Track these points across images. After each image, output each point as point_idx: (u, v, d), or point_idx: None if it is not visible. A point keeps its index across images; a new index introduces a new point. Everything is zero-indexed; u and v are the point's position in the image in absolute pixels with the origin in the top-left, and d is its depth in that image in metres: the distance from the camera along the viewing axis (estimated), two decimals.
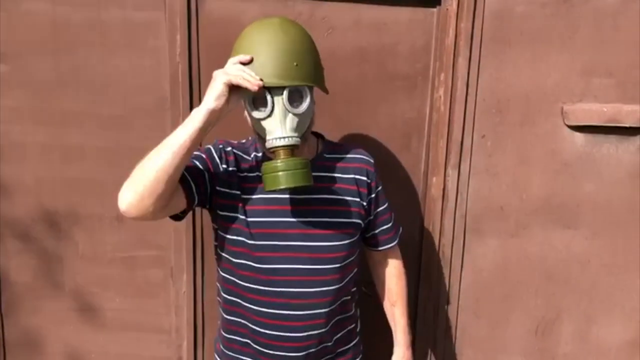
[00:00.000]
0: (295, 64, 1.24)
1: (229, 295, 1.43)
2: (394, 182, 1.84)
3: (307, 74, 1.27)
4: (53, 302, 1.94)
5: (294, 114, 1.25)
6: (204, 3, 1.71)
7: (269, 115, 1.24)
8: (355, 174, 1.42)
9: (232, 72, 1.20)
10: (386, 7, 1.73)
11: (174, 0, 1.69)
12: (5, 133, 1.81)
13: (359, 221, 1.42)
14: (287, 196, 1.36)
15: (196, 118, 1.21)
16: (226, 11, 1.72)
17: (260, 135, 1.30)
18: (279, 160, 1.21)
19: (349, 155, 1.45)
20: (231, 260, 1.39)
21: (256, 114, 1.25)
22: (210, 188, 1.35)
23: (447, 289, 1.91)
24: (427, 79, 1.79)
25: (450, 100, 1.76)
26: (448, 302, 1.92)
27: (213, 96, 1.20)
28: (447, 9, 1.70)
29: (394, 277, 1.57)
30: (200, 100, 1.75)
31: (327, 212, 1.37)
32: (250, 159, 1.41)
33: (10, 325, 1.97)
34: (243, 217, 1.35)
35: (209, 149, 1.39)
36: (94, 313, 1.95)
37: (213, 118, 1.21)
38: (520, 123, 1.78)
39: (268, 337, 1.38)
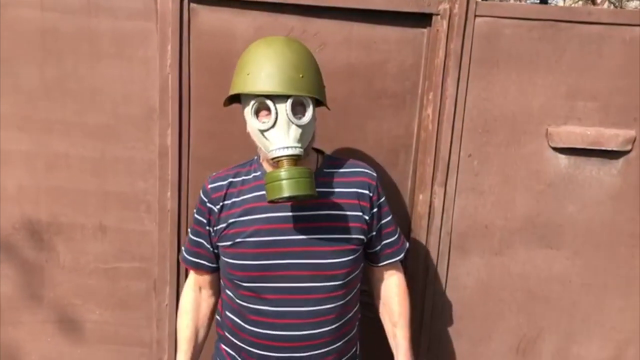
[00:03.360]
0: (300, 75, 1.26)
1: (231, 314, 1.44)
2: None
3: (311, 86, 1.29)
4: (32, 314, 1.91)
5: (297, 125, 1.26)
6: (196, 15, 1.71)
7: (273, 126, 1.25)
8: (357, 188, 1.42)
9: None
10: (377, 26, 1.75)
11: (166, 11, 1.69)
12: None
13: (361, 236, 1.41)
14: (289, 214, 1.36)
15: None
16: (218, 23, 1.72)
17: (262, 147, 1.31)
18: (282, 169, 1.22)
19: (350, 169, 1.45)
20: (232, 281, 1.40)
21: (259, 125, 1.27)
22: (214, 241, 1.43)
23: (430, 306, 1.92)
24: (415, 97, 1.81)
25: (439, 119, 1.78)
26: (432, 319, 1.93)
27: None
28: (438, 30, 1.72)
29: (396, 296, 1.53)
30: (190, 112, 1.76)
31: (329, 229, 1.37)
32: (250, 178, 1.41)
33: None
34: (244, 239, 1.35)
35: (198, 220, 1.45)
36: (74, 325, 1.92)
37: None
38: (506, 143, 1.81)
39: (270, 359, 1.38)
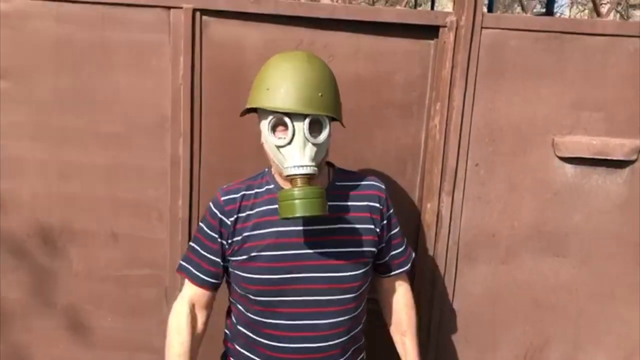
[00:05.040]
0: (320, 94, 1.28)
1: (244, 328, 1.44)
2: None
3: (330, 105, 1.31)
4: (45, 319, 1.93)
5: (313, 144, 1.27)
6: (207, 27, 1.75)
7: (289, 143, 1.26)
8: (368, 201, 1.45)
9: None
10: (384, 38, 1.78)
11: (179, 23, 1.72)
12: (3, 148, 1.82)
13: (373, 249, 1.44)
14: (301, 228, 1.37)
15: None
16: (229, 35, 1.75)
17: (276, 161, 1.32)
18: (295, 188, 1.24)
19: (361, 183, 1.48)
20: (246, 296, 1.40)
21: (276, 141, 1.28)
22: (227, 254, 1.42)
23: (438, 314, 1.93)
24: (422, 107, 1.84)
25: (446, 129, 1.80)
26: (439, 327, 1.94)
27: None
28: (444, 42, 1.75)
29: (405, 306, 1.56)
30: (201, 122, 1.80)
31: (343, 242, 1.39)
32: (262, 191, 1.42)
33: (1, 343, 1.95)
34: (258, 253, 1.36)
35: (208, 234, 1.42)
36: (86, 331, 1.94)
37: None
38: (512, 153, 1.83)
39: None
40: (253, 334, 1.41)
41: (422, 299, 1.93)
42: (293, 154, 1.26)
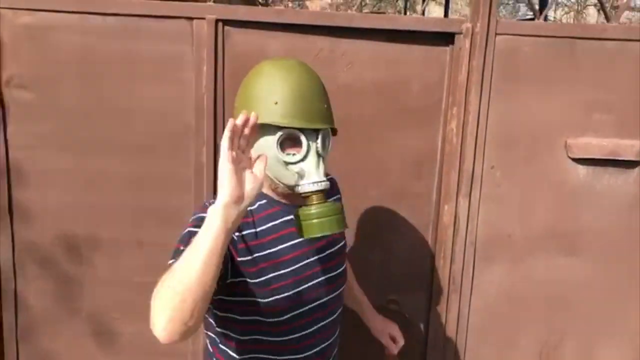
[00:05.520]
0: (325, 105, 1.27)
1: (257, 355, 1.34)
2: (407, 209, 1.93)
3: (332, 115, 1.31)
4: (70, 326, 1.96)
5: (323, 157, 1.25)
6: (230, 37, 1.78)
7: (302, 160, 1.22)
8: (337, 195, 1.51)
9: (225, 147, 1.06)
10: (402, 45, 1.83)
11: (202, 34, 1.76)
12: (30, 159, 1.84)
13: (345, 239, 1.51)
14: (302, 239, 1.29)
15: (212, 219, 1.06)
16: (250, 45, 1.79)
17: (278, 178, 1.26)
18: (317, 207, 1.20)
19: (333, 186, 1.51)
20: (258, 321, 1.30)
21: (285, 157, 1.22)
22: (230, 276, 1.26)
23: (457, 313, 1.98)
24: (439, 112, 1.89)
25: (462, 132, 1.85)
26: (458, 326, 1.99)
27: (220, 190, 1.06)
28: (460, 48, 1.80)
29: (354, 280, 1.74)
30: (223, 129, 1.83)
31: (333, 241, 1.41)
32: (257, 208, 1.31)
33: (26, 351, 1.97)
34: (276, 272, 1.29)
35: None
36: (111, 338, 1.97)
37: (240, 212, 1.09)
38: (527, 155, 1.88)
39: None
40: (273, 355, 1.33)
41: (440, 298, 1.98)
42: (309, 170, 1.21)
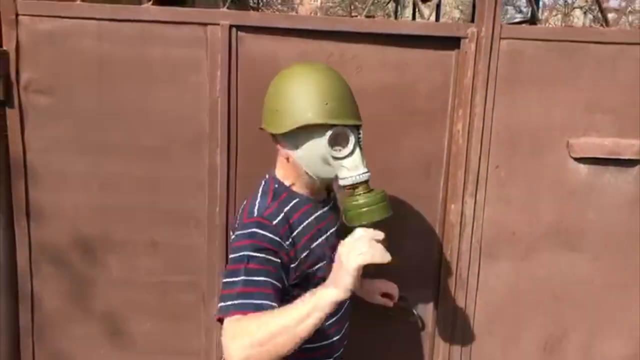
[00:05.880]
0: (356, 103, 1.38)
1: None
2: (415, 207, 1.98)
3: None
4: (84, 326, 1.99)
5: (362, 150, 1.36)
6: (243, 42, 1.83)
7: (350, 154, 1.32)
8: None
9: (367, 251, 1.19)
10: (409, 49, 1.88)
11: (216, 39, 1.81)
12: (46, 161, 1.88)
13: None
14: (329, 231, 1.49)
15: (326, 307, 1.18)
16: (263, 50, 1.84)
17: (319, 174, 1.37)
18: (362, 196, 1.30)
19: None
20: None
21: (335, 153, 1.32)
22: (291, 278, 1.37)
23: (463, 308, 2.04)
24: (445, 114, 1.95)
25: (468, 134, 1.91)
26: (464, 321, 2.05)
27: (348, 286, 1.18)
28: (466, 52, 1.86)
29: None
30: (237, 133, 1.88)
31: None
32: (292, 207, 1.40)
33: (41, 349, 2.00)
34: (319, 265, 1.42)
35: (272, 261, 1.30)
36: (125, 337, 2.01)
37: None
38: (530, 155, 1.94)
39: (332, 344, 1.51)
40: (315, 344, 1.40)
41: (447, 294, 2.03)
42: (356, 163, 1.32)
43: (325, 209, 1.52)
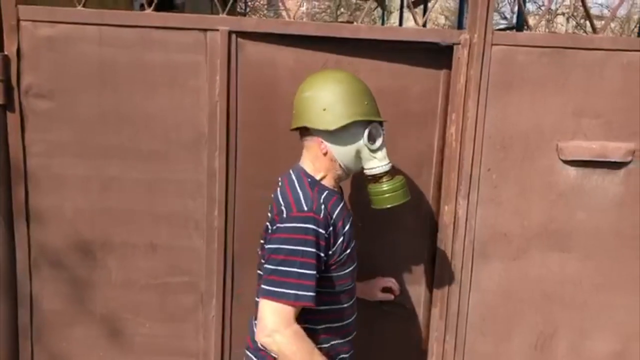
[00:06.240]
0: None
1: (326, 325, 1.59)
2: (410, 208, 2.02)
3: None
4: (84, 328, 2.02)
5: None
6: (243, 48, 1.87)
7: (380, 148, 1.54)
8: None
9: None
10: (403, 54, 1.93)
11: (215, 45, 1.85)
12: (46, 165, 1.90)
13: None
14: (350, 222, 1.61)
15: None
16: (263, 55, 1.88)
17: (354, 166, 1.57)
18: (385, 184, 1.55)
19: None
20: (339, 292, 1.59)
21: (372, 146, 1.53)
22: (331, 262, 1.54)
23: (456, 308, 2.08)
24: (436, 117, 2.00)
25: (461, 137, 1.96)
26: (457, 320, 2.09)
27: None
28: (459, 58, 1.91)
29: None
30: (236, 136, 1.92)
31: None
32: (325, 198, 1.53)
33: (40, 351, 2.02)
34: (350, 249, 1.58)
35: (318, 255, 1.46)
36: (124, 338, 2.03)
37: None
38: (521, 158, 2.00)
39: (350, 324, 1.67)
40: (336, 323, 1.61)
41: (441, 294, 2.08)
42: (383, 154, 1.55)
43: (343, 200, 1.66)
